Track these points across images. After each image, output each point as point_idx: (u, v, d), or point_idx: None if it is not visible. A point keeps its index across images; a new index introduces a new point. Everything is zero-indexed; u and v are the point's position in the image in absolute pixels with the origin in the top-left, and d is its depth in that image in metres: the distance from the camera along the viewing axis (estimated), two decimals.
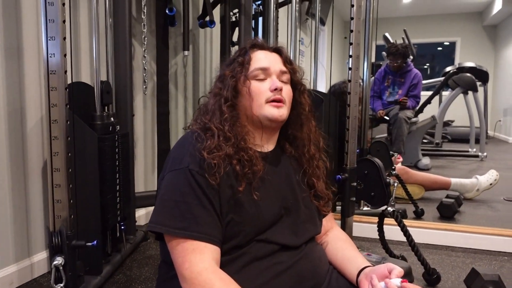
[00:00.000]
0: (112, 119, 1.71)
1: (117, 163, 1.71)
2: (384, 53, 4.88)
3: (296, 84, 1.01)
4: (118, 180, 1.72)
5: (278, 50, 1.01)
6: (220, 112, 0.92)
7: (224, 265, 0.82)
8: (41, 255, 1.74)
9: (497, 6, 7.17)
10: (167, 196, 0.84)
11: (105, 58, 1.83)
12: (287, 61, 1.00)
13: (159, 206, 0.85)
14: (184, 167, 0.84)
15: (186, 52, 2.28)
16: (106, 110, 1.74)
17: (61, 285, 1.30)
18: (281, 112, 0.94)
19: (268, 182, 0.92)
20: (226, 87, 0.94)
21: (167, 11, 2.12)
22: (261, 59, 0.96)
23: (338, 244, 1.03)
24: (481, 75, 5.28)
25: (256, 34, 2.71)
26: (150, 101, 2.41)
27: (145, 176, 2.45)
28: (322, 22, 5.29)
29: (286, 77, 0.98)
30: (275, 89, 0.93)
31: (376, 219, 1.84)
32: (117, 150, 1.71)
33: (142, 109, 2.37)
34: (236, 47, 2.45)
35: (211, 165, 0.83)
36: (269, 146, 0.99)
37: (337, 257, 1.00)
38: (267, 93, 0.93)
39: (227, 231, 0.84)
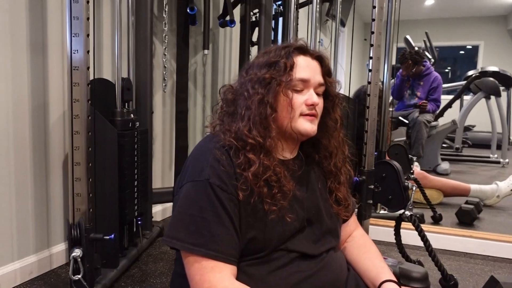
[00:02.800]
0: (132, 115, 1.74)
1: (135, 159, 1.74)
2: None
3: (330, 95, 0.96)
4: (136, 175, 1.75)
5: (320, 58, 0.94)
6: (266, 123, 0.86)
7: (244, 275, 0.81)
8: (60, 247, 1.77)
9: None
10: (185, 209, 0.81)
11: (126, 56, 1.85)
12: (326, 73, 0.94)
13: (176, 220, 0.81)
14: (204, 180, 0.80)
15: (206, 51, 2.29)
16: (126, 107, 1.76)
17: (79, 276, 1.33)
18: (315, 128, 0.91)
19: (291, 193, 0.88)
20: (271, 93, 0.86)
21: (188, 10, 2.13)
22: (303, 67, 0.89)
23: (360, 250, 1.01)
24: (505, 80, 5.15)
25: (276, 34, 2.71)
26: (169, 99, 2.44)
27: (162, 173, 2.47)
28: (342, 24, 5.26)
29: (322, 89, 0.93)
30: (312, 104, 0.89)
31: (392, 223, 1.82)
32: (136, 146, 1.73)
33: (161, 106, 2.40)
34: (256, 47, 2.46)
35: (244, 181, 0.81)
36: (291, 153, 0.95)
37: (357, 265, 0.99)
38: (302, 107, 0.88)
39: (249, 247, 0.82)
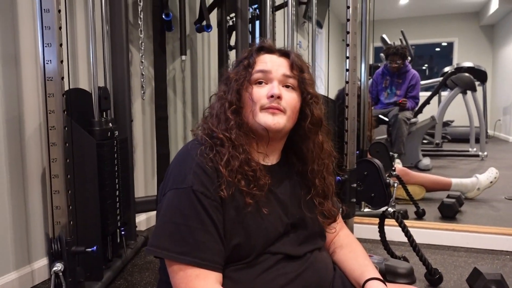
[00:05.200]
0: (110, 124, 1.71)
1: (116, 169, 1.71)
2: (382, 54, 4.90)
3: (304, 93, 0.92)
4: (117, 185, 1.72)
5: (286, 54, 0.93)
6: (225, 117, 0.87)
7: (230, 281, 0.81)
8: (42, 262, 1.73)
9: (494, 6, 7.18)
10: (169, 217, 0.79)
11: (102, 64, 1.83)
12: (296, 67, 0.91)
13: (160, 229, 0.80)
14: (187, 187, 0.79)
15: (183, 57, 2.28)
16: (104, 116, 1.74)
17: None
18: (276, 120, 0.86)
19: (274, 197, 0.88)
20: (230, 90, 0.89)
21: (163, 17, 2.12)
22: (265, 62, 0.90)
23: (345, 250, 1.01)
24: (480, 75, 5.29)
25: (254, 37, 2.71)
26: (149, 106, 2.41)
27: (145, 181, 2.44)
28: (320, 25, 5.31)
29: (291, 82, 0.90)
30: (271, 96, 0.86)
31: (377, 220, 1.84)
32: (116, 155, 1.70)
33: (141, 114, 2.37)
34: (234, 51, 2.46)
35: (227, 182, 0.80)
36: (273, 159, 0.94)
37: (343, 265, 0.98)
38: (263, 100, 0.87)
39: (234, 253, 0.81)
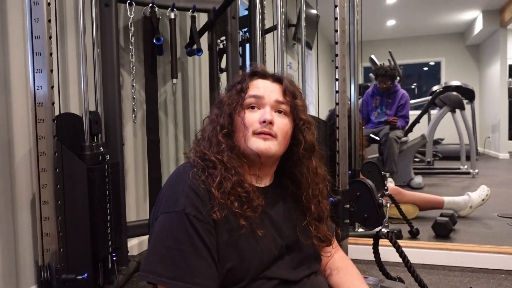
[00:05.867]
0: (101, 148, 1.71)
1: (107, 193, 1.69)
2: (371, 74, 4.98)
3: (296, 119, 0.93)
4: (108, 210, 1.70)
5: (279, 80, 0.94)
6: (217, 140, 0.88)
7: None
8: None
9: (478, 26, 7.39)
10: (161, 241, 0.78)
11: (93, 89, 1.83)
12: (289, 94, 0.92)
13: (152, 253, 0.78)
14: (180, 210, 0.78)
15: (174, 81, 2.29)
16: (95, 140, 1.73)
17: None
18: (268, 146, 0.86)
19: (268, 218, 0.87)
20: (222, 114, 0.90)
21: (154, 41, 2.14)
22: (258, 87, 0.92)
23: (341, 273, 0.99)
24: (467, 93, 5.38)
25: (244, 60, 2.74)
26: (140, 129, 2.41)
27: (137, 205, 2.41)
28: (309, 47, 5.40)
29: (284, 108, 0.91)
30: (263, 122, 0.87)
31: (372, 241, 1.82)
32: (107, 180, 1.69)
33: (132, 137, 2.36)
34: (225, 74, 2.48)
35: (219, 204, 0.80)
36: (266, 181, 0.94)
37: None
38: (255, 125, 0.87)
39: (228, 278, 0.80)
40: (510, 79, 7.33)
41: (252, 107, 0.90)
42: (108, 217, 1.70)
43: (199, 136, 0.95)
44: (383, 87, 4.25)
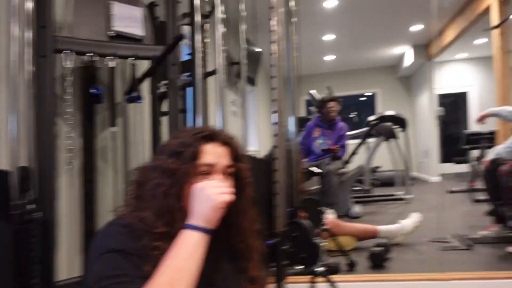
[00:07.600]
0: (32, 205, 1.65)
1: (35, 254, 1.62)
2: (311, 108, 5.21)
3: (240, 179, 1.01)
4: (34, 271, 1.62)
5: (228, 144, 1.00)
6: (171, 214, 0.90)
7: None
8: None
9: (409, 59, 8.04)
10: (94, 285, 0.81)
11: (27, 142, 1.78)
12: (236, 157, 1.00)
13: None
14: (110, 249, 0.83)
15: (114, 128, 2.29)
16: (25, 197, 1.67)
17: None
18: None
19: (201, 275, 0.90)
20: (176, 184, 0.91)
21: (93, 90, 2.14)
22: (210, 153, 0.95)
23: None
24: (401, 122, 5.74)
25: (185, 103, 2.79)
26: (77, 180, 2.34)
27: (70, 262, 2.28)
28: (252, 82, 5.57)
29: (230, 171, 0.99)
30: None
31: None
32: (37, 239, 1.62)
33: (68, 189, 2.28)
34: (167, 117, 2.50)
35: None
36: None
37: None
38: None
39: None
40: (439, 108, 7.96)
41: (203, 174, 0.94)
42: (35, 280, 1.62)
43: (136, 194, 0.97)
44: (332, 115, 4.53)
